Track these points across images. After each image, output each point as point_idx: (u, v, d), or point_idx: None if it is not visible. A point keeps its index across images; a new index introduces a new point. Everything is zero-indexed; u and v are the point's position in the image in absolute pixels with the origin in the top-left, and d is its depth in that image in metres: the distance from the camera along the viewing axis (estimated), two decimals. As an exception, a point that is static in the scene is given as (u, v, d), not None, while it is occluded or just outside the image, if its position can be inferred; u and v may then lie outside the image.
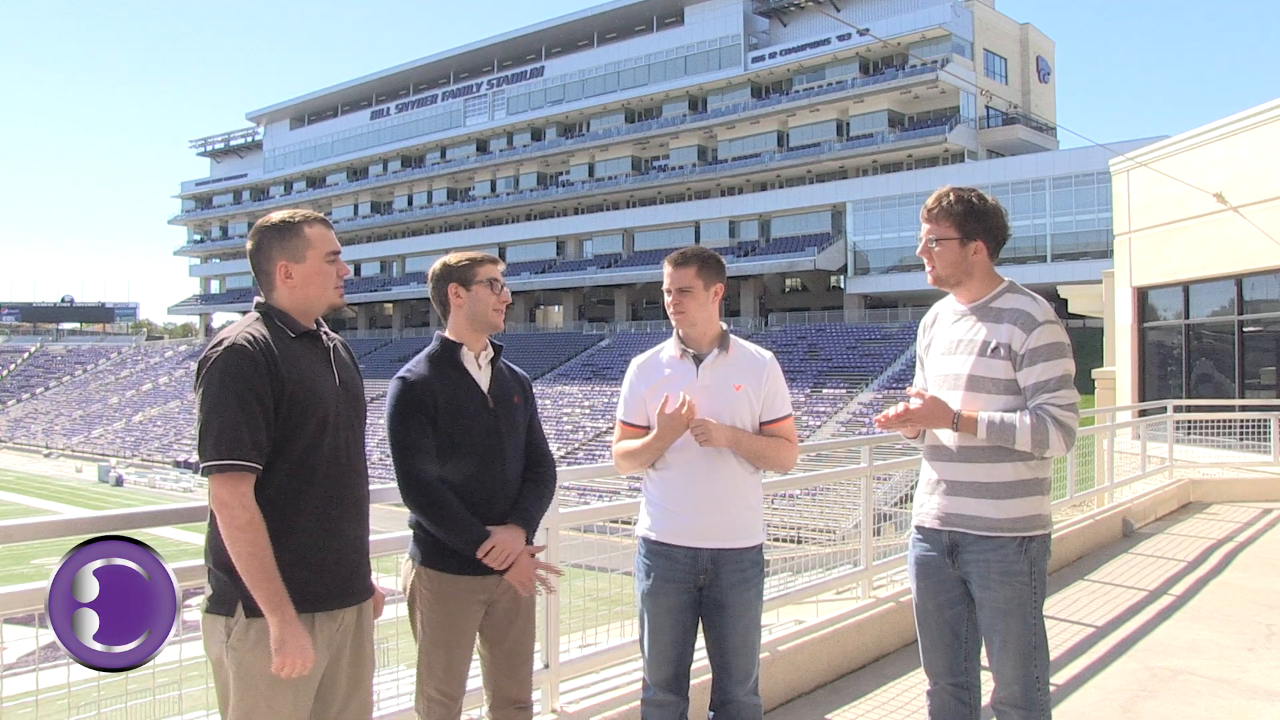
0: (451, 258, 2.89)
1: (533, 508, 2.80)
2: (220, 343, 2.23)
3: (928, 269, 2.83)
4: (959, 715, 2.84)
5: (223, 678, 2.22)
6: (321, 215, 2.45)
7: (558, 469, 2.99)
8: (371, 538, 2.52)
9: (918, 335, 3.05)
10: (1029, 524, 2.70)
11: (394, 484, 2.73)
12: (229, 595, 2.18)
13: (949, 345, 2.83)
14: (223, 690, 2.23)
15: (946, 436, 2.77)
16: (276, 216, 2.41)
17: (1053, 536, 2.81)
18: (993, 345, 2.71)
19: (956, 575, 2.78)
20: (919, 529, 2.88)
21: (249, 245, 2.40)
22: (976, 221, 2.75)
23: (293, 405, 2.23)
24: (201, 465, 2.18)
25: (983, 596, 2.72)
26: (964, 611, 2.80)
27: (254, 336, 2.23)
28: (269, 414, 2.19)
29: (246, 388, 2.16)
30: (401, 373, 2.78)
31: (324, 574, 2.27)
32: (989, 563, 2.69)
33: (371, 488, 2.50)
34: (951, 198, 2.77)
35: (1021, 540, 2.69)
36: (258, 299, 2.39)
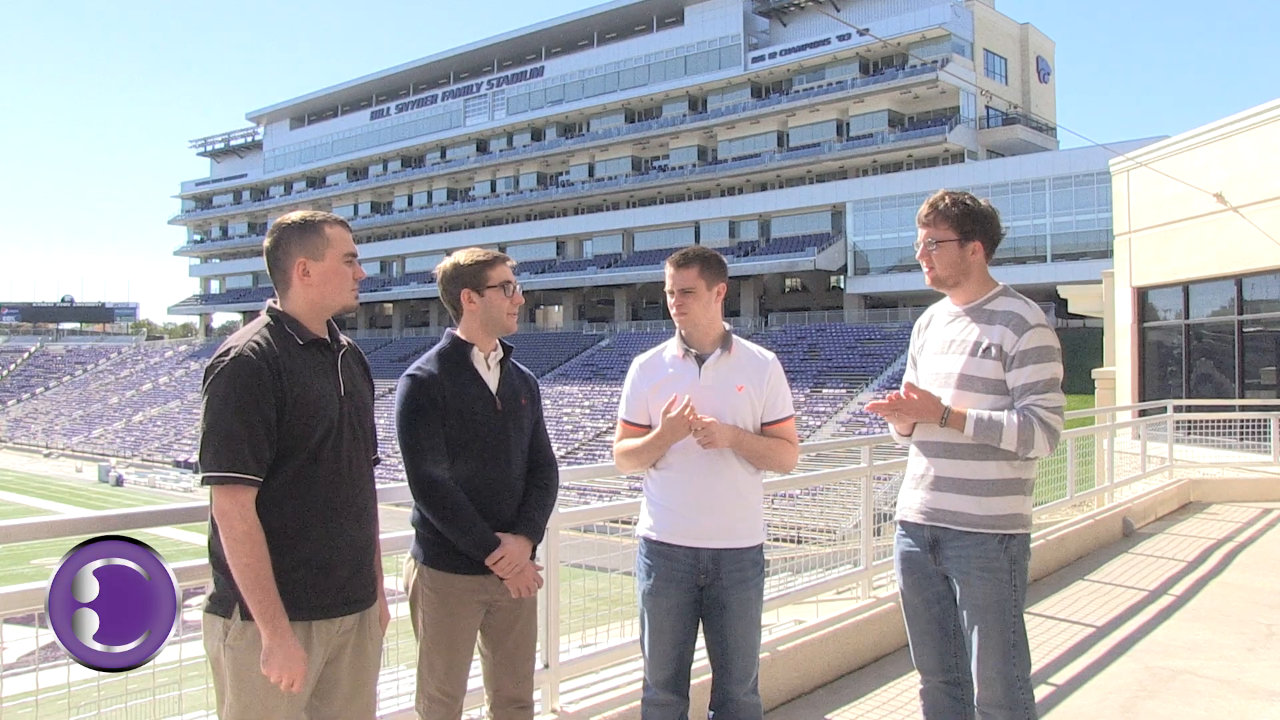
0: (462, 257, 2.85)
1: (539, 517, 2.82)
2: (228, 352, 2.23)
3: (926, 271, 2.89)
4: (953, 712, 2.87)
5: (220, 676, 2.24)
6: (341, 218, 2.46)
7: (558, 469, 2.99)
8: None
9: (912, 337, 3.09)
10: (1010, 522, 2.74)
11: (395, 484, 2.73)
12: (227, 597, 2.20)
13: (942, 345, 2.88)
14: (220, 688, 2.25)
15: (934, 432, 2.81)
16: (296, 215, 2.41)
17: (1050, 538, 2.82)
18: (984, 346, 2.76)
19: (939, 571, 2.82)
20: (902, 524, 2.92)
21: (267, 243, 2.40)
22: (973, 222, 2.82)
23: (295, 416, 2.24)
24: (201, 475, 2.20)
25: (963, 593, 2.76)
26: (950, 606, 2.83)
27: (260, 346, 2.24)
28: (271, 426, 2.21)
29: (250, 400, 2.18)
30: (411, 370, 2.77)
31: (324, 582, 2.28)
32: (969, 559, 2.73)
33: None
34: (947, 200, 2.84)
35: (1002, 538, 2.73)
36: (271, 302, 2.39)
